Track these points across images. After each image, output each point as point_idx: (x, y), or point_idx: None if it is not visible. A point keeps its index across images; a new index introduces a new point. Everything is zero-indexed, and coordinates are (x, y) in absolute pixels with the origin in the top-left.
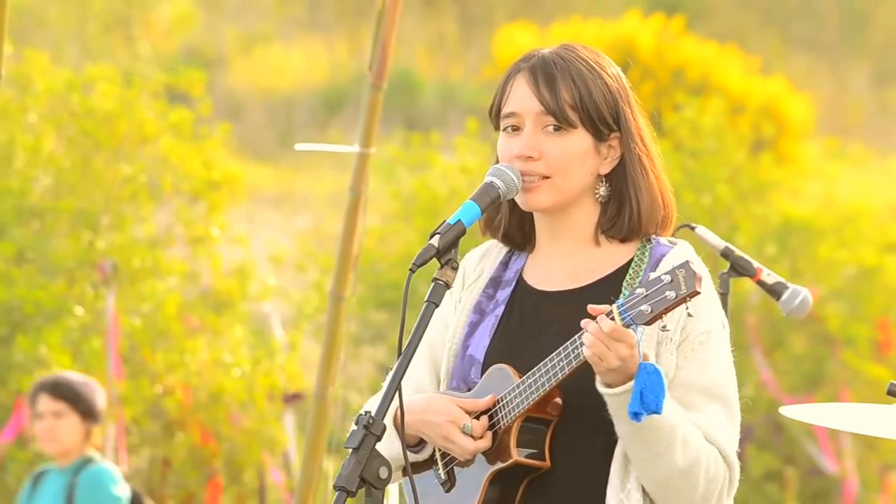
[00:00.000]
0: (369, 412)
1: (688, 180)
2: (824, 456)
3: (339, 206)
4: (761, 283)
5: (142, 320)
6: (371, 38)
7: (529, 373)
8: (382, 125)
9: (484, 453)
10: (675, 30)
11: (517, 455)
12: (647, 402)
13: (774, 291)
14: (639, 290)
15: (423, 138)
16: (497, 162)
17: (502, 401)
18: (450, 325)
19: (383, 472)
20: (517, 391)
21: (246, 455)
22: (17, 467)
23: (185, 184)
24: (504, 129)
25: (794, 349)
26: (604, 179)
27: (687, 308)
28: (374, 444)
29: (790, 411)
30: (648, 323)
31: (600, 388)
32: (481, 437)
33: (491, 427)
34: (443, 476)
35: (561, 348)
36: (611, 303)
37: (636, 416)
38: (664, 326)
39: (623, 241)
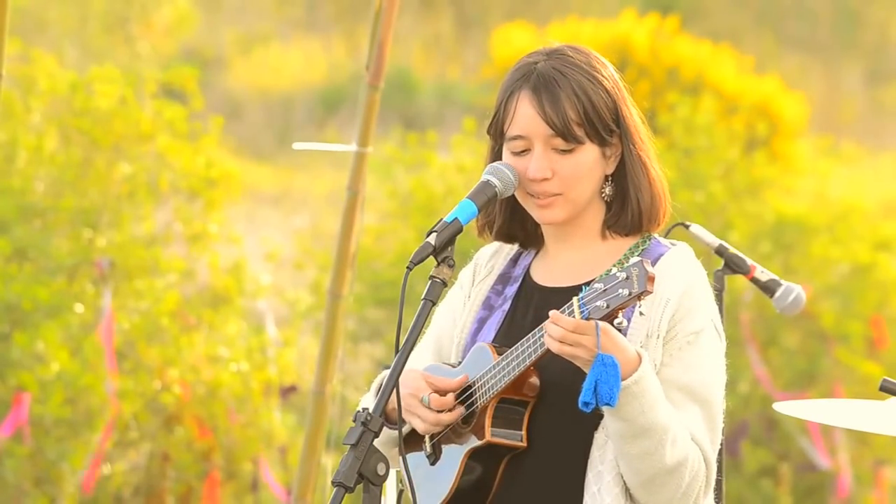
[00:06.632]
0: (367, 409)
1: (682, 178)
2: (818, 451)
3: (336, 205)
4: (755, 281)
5: (139, 317)
6: (368, 38)
7: (504, 355)
8: (380, 124)
9: (465, 432)
10: (670, 29)
11: (490, 435)
12: (601, 393)
13: (768, 288)
14: (597, 285)
15: (420, 137)
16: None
17: (481, 380)
18: (458, 321)
19: (381, 469)
20: (493, 372)
21: (242, 449)
22: (14, 463)
23: (183, 182)
24: (512, 151)
25: (787, 346)
26: (609, 178)
27: (639, 307)
28: (372, 440)
29: (784, 407)
30: (605, 318)
31: None
32: (448, 411)
33: (470, 405)
34: (428, 449)
35: (530, 334)
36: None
37: (586, 405)
38: (620, 322)
39: (627, 235)
